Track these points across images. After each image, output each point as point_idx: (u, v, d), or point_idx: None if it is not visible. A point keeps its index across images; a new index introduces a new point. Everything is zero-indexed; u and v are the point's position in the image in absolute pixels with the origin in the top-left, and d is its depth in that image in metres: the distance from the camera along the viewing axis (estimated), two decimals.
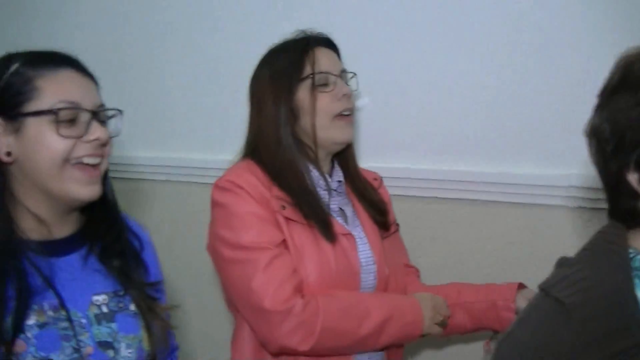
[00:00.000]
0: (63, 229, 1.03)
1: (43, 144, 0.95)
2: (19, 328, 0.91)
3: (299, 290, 1.19)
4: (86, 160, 0.98)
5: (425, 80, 1.65)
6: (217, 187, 1.26)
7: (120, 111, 1.06)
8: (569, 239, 1.47)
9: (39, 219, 0.99)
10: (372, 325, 1.20)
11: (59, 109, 0.95)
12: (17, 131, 0.96)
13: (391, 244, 1.39)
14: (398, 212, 1.50)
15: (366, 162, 1.54)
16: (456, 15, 1.60)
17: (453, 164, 1.63)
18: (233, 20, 1.91)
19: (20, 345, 0.91)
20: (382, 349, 1.29)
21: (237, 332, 1.31)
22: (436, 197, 1.67)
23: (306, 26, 1.36)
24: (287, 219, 1.23)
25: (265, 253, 1.18)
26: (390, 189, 1.51)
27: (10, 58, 1.00)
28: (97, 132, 0.99)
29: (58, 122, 0.95)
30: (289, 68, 1.28)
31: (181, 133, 2.05)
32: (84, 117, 0.98)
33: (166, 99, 2.06)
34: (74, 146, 0.97)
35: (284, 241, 1.22)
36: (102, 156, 1.01)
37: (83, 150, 0.98)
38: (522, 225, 1.57)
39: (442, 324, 1.30)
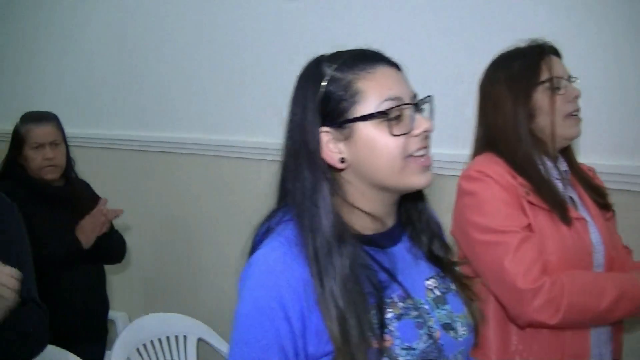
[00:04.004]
0: (390, 220, 1.02)
1: (378, 147, 0.92)
2: (383, 323, 0.90)
3: (545, 270, 1.29)
4: (417, 153, 0.94)
5: None
6: (466, 177, 1.38)
7: (430, 97, 0.99)
8: None
9: (372, 216, 0.98)
10: (608, 302, 1.28)
11: (388, 109, 0.92)
12: (347, 138, 0.94)
13: (610, 227, 1.48)
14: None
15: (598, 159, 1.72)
16: None
17: None
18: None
19: (387, 339, 0.90)
20: (613, 323, 1.39)
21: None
22: None
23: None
24: (531, 204, 1.33)
25: (515, 236, 1.29)
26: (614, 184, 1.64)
27: (320, 63, 0.97)
28: (423, 124, 0.94)
29: (389, 122, 0.92)
30: (526, 72, 1.38)
31: None
32: (408, 111, 0.94)
33: None
34: (406, 142, 0.93)
35: (529, 225, 1.32)
36: (427, 147, 0.96)
37: (414, 145, 0.94)
38: None
39: None
